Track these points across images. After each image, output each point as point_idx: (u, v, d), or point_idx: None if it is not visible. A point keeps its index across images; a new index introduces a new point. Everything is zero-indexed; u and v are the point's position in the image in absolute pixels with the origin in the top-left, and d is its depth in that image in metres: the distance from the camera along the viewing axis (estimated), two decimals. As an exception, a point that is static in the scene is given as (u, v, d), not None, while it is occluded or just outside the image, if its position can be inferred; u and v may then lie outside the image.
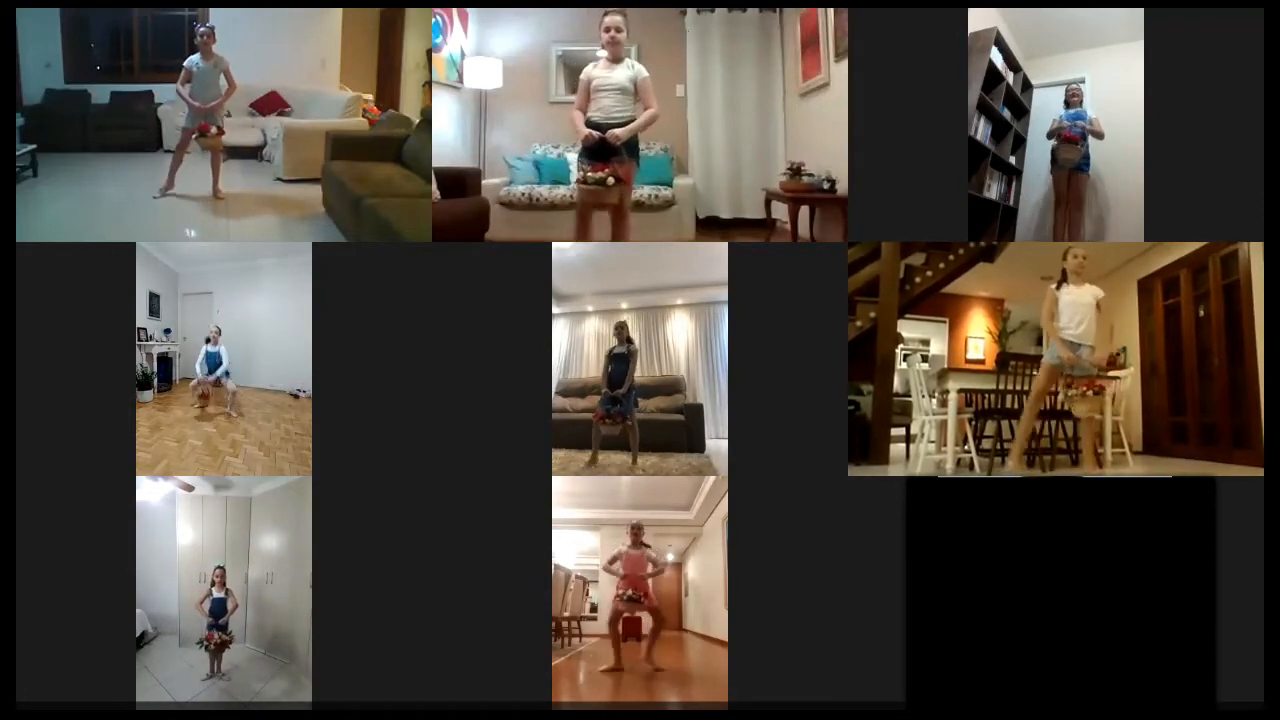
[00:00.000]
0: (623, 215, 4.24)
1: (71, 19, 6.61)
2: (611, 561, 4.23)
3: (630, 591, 4.17)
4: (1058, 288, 4.40)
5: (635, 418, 4.81)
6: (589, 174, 4.13)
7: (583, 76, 4.24)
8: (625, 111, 4.19)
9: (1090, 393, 4.31)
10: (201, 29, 5.15)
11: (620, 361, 4.87)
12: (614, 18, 4.13)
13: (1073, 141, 4.66)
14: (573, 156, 5.83)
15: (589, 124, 4.18)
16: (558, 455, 3.64)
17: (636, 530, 4.20)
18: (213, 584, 3.98)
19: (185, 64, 5.09)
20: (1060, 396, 4.46)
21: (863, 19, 3.62)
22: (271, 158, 6.09)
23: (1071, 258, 4.34)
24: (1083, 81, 4.70)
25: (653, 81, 4.24)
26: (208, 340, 4.78)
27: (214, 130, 5.11)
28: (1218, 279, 4.60)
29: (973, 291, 6.29)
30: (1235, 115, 3.56)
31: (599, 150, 4.16)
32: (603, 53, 4.20)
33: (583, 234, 4.23)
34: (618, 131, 4.15)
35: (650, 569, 4.23)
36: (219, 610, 3.96)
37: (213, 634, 3.92)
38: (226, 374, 4.84)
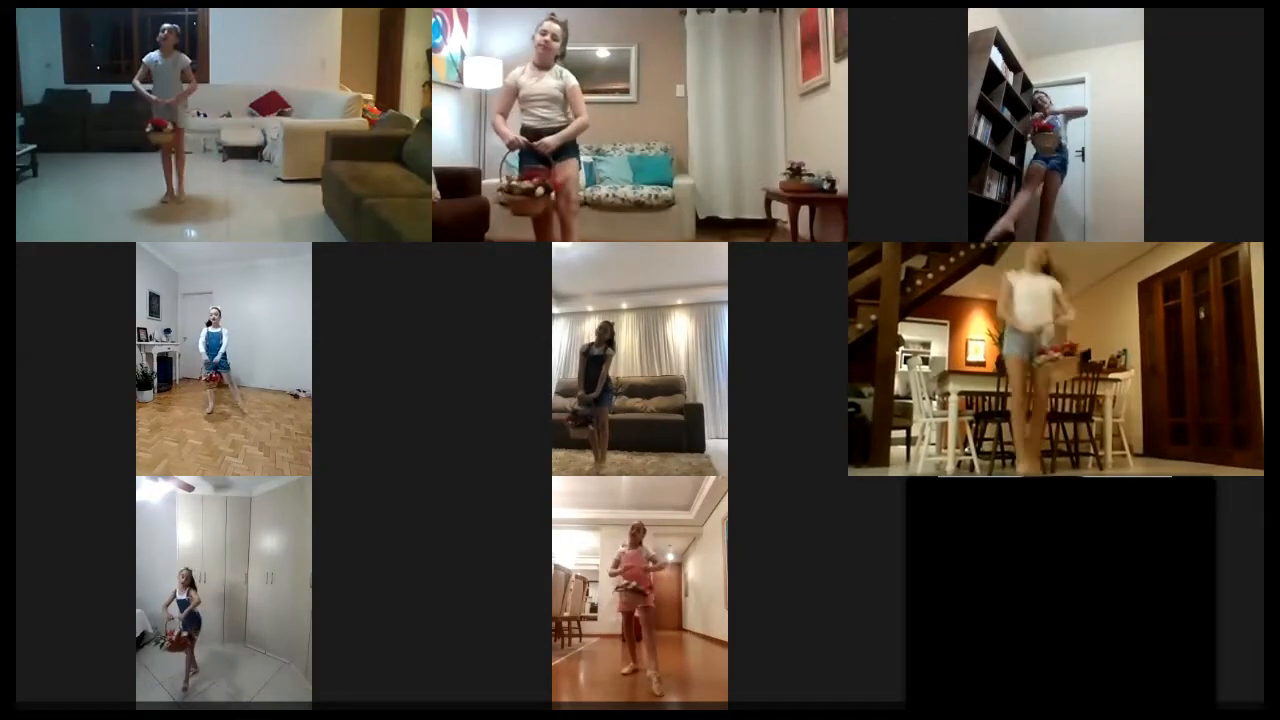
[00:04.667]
0: (567, 218, 4.19)
1: (71, 19, 6.61)
2: (616, 565, 4.21)
3: (632, 583, 4.14)
4: (1011, 274, 4.40)
5: (606, 419, 4.78)
6: (514, 183, 4.04)
7: (508, 81, 4.19)
8: (557, 119, 4.16)
9: (1062, 355, 4.23)
10: (165, 27, 5.14)
11: (596, 364, 4.83)
12: (553, 24, 4.09)
13: (1045, 130, 4.65)
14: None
15: (523, 130, 4.15)
16: (558, 455, 3.64)
17: (636, 530, 4.18)
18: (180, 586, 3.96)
19: (144, 60, 5.07)
20: (1035, 369, 4.33)
21: (863, 19, 3.62)
22: (271, 158, 6.09)
23: (1033, 249, 4.35)
24: (1081, 82, 4.70)
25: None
26: (208, 323, 4.78)
27: (170, 126, 5.06)
28: (1218, 281, 4.60)
29: (973, 294, 6.30)
30: (1235, 115, 3.56)
31: (530, 158, 4.12)
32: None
33: (543, 233, 4.18)
34: (548, 140, 4.11)
35: (649, 564, 4.21)
36: (185, 609, 3.94)
37: (170, 631, 3.88)
38: (226, 365, 4.84)
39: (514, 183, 4.04)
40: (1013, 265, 5.02)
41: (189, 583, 3.96)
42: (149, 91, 5.06)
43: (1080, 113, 4.69)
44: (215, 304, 4.94)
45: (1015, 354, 4.34)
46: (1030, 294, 4.35)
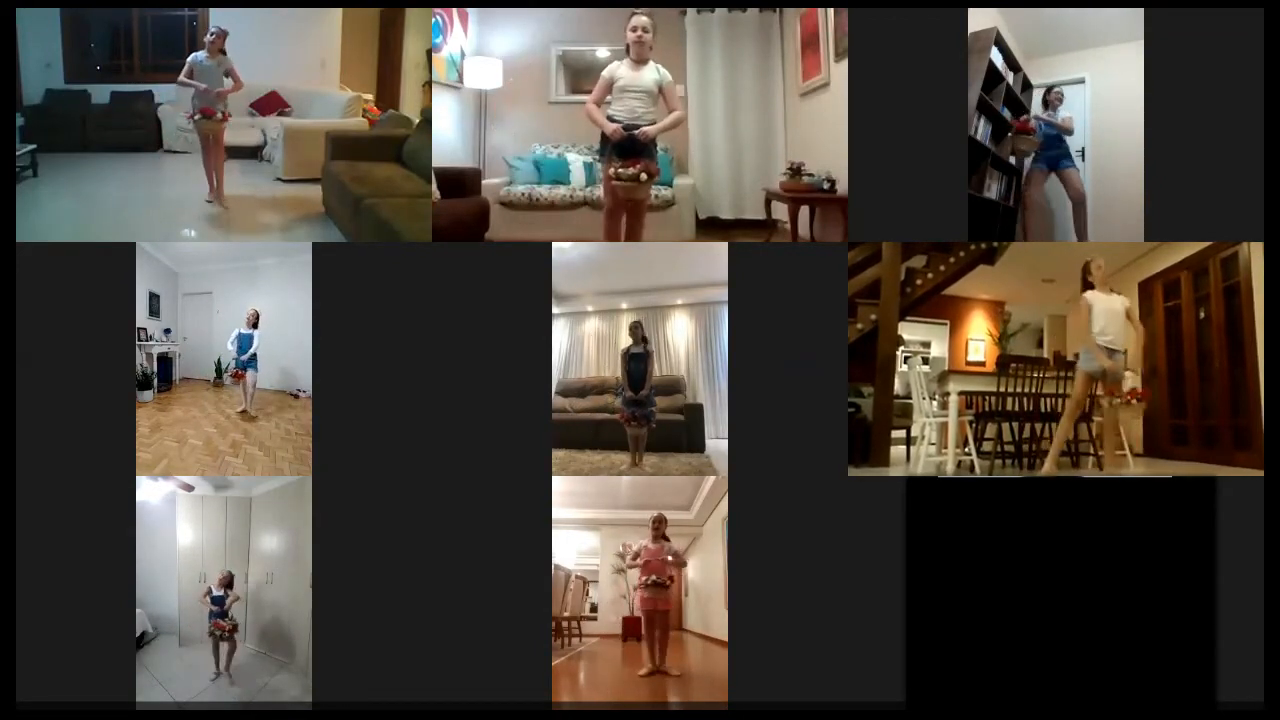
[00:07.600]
0: (641, 214, 4.24)
1: (71, 19, 6.61)
2: (635, 557, 4.19)
3: (654, 576, 4.11)
4: (1088, 294, 4.47)
5: (655, 420, 4.79)
6: (621, 170, 4.12)
7: (605, 73, 4.21)
8: (650, 113, 4.19)
9: (1134, 400, 4.42)
10: (214, 28, 5.22)
11: (639, 362, 4.82)
12: (641, 18, 4.11)
13: (1026, 131, 4.62)
14: (574, 156, 5.85)
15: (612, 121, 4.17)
16: (558, 455, 3.64)
17: (658, 522, 4.16)
18: (220, 582, 4.00)
19: (189, 59, 5.13)
20: (1105, 406, 4.54)
21: (863, 19, 3.62)
22: (271, 158, 6.09)
23: (1095, 269, 4.44)
24: (1081, 82, 4.70)
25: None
26: (250, 323, 4.81)
27: (218, 115, 5.13)
28: (1218, 281, 4.59)
29: (973, 294, 6.30)
30: (1235, 115, 3.56)
31: (628, 147, 4.16)
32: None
33: (613, 233, 4.22)
34: (648, 129, 4.16)
35: (671, 559, 4.20)
36: (220, 603, 3.97)
37: (221, 622, 3.93)
38: (254, 365, 4.86)
39: (620, 169, 4.12)
40: (1013, 267, 5.04)
41: (228, 583, 4.01)
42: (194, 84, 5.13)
43: (1066, 130, 4.70)
44: (216, 304, 4.94)
45: (1090, 370, 4.43)
46: (1107, 311, 4.44)
